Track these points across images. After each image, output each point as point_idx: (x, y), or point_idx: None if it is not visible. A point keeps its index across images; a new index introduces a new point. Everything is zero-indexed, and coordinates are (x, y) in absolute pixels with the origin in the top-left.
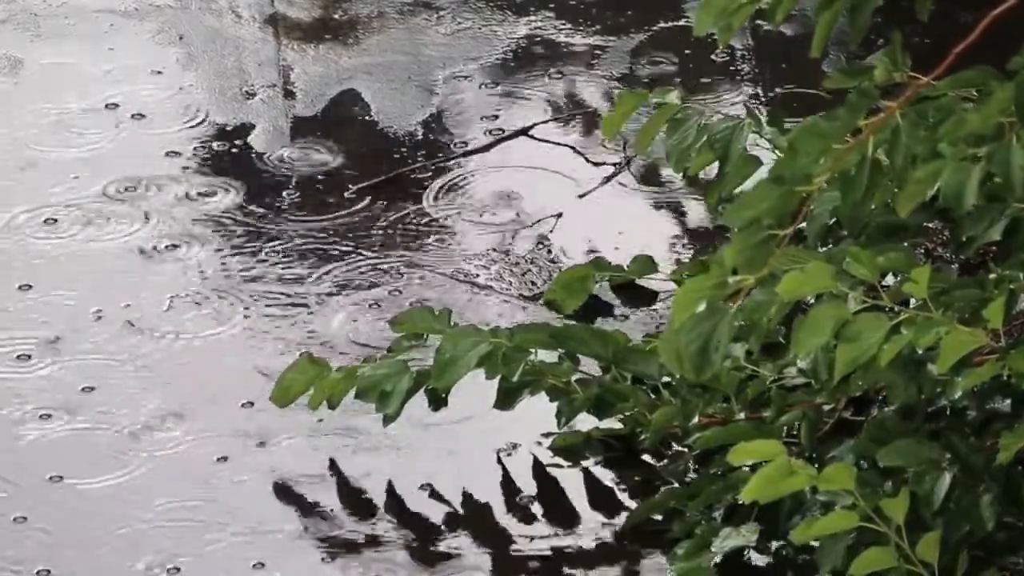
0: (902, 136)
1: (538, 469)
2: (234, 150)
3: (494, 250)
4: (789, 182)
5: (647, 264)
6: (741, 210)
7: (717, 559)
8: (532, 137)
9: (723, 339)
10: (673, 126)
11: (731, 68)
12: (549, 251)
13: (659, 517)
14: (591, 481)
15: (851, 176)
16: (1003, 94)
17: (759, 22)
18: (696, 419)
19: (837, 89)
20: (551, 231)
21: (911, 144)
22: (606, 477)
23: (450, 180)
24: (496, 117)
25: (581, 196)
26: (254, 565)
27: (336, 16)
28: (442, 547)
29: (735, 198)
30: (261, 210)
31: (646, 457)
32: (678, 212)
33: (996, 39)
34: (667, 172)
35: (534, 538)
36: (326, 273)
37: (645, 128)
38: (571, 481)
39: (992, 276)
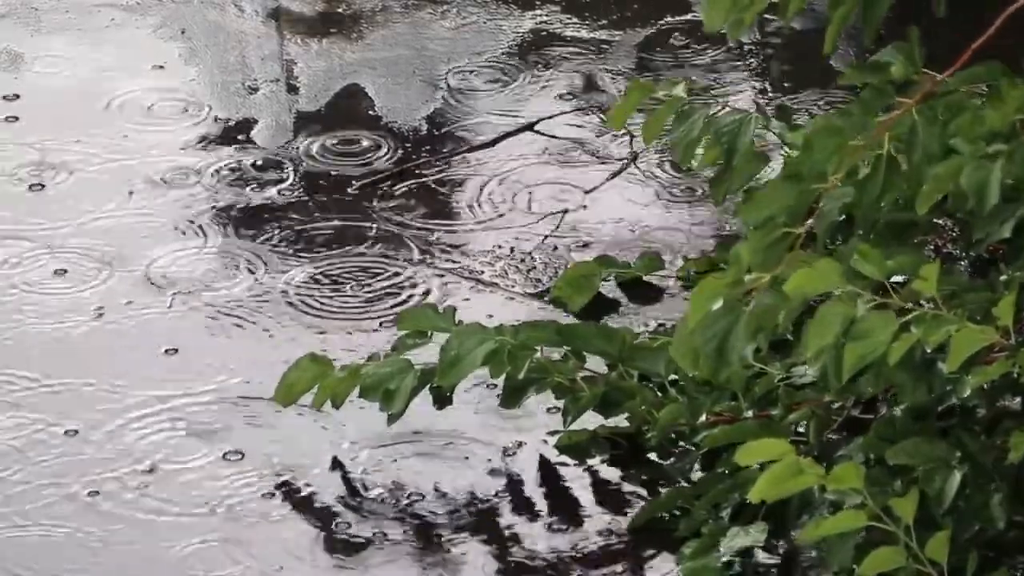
0: (919, 133)
1: (544, 467)
2: (237, 145)
3: (499, 247)
4: (806, 180)
5: (654, 261)
6: (757, 208)
7: (724, 558)
8: (538, 132)
9: (740, 339)
10: (680, 118)
11: (739, 62)
12: (555, 247)
13: (666, 516)
14: (597, 480)
15: (867, 175)
16: (1019, 91)
17: (767, 16)
18: (703, 417)
19: (850, 85)
20: (557, 227)
21: (928, 142)
22: (612, 475)
23: (454, 176)
24: (501, 112)
25: (587, 192)
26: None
27: (340, 10)
28: (447, 546)
29: (742, 194)
30: (263, 206)
31: (652, 455)
32: (685, 208)
33: (1011, 35)
34: (674, 168)
35: (540, 537)
36: (328, 270)
37: (651, 120)
38: (577, 480)
39: (1003, 278)
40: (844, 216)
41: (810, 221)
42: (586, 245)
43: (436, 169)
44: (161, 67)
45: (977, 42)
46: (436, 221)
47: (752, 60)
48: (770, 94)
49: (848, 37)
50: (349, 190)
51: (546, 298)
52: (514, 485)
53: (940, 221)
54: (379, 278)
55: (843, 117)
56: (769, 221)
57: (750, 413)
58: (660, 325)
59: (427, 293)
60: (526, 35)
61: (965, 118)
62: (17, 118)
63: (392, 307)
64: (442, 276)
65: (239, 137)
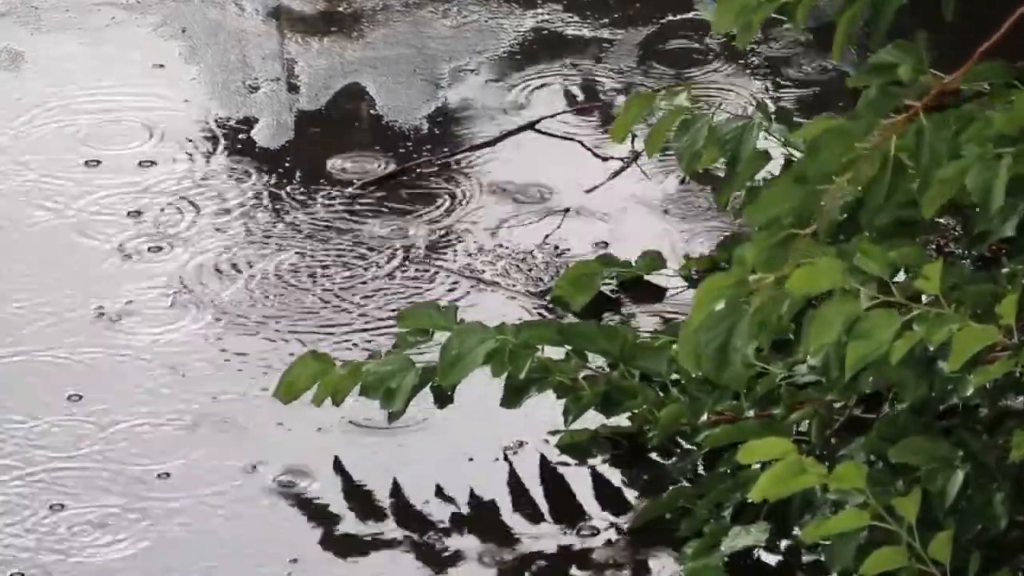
0: (927, 136)
1: (545, 467)
2: (238, 144)
3: (500, 246)
4: (812, 182)
5: (655, 260)
6: (762, 209)
7: (726, 558)
8: (539, 131)
9: (743, 338)
10: (683, 127)
11: (740, 61)
12: (556, 247)
13: (668, 516)
14: (598, 479)
15: (873, 177)
16: None
17: (771, 15)
18: (705, 417)
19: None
20: (558, 226)
21: (936, 145)
22: (614, 475)
23: (456, 175)
24: (502, 111)
25: (589, 191)
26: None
27: (340, 9)
28: (448, 546)
29: (747, 195)
30: (265, 205)
31: (654, 455)
32: (687, 207)
33: (1019, 37)
34: (675, 167)
35: (541, 537)
36: (330, 268)
37: (654, 131)
38: (578, 479)
39: (1005, 271)
40: (847, 214)
41: (814, 226)
42: (587, 244)
43: (437, 168)
44: (161, 66)
45: (986, 44)
46: (436, 220)
47: (753, 59)
48: (771, 93)
49: (849, 35)
50: (350, 189)
51: (547, 297)
52: (514, 485)
53: (942, 220)
54: (380, 277)
55: (850, 119)
56: (774, 222)
57: (752, 412)
58: (662, 324)
59: (428, 292)
60: (527, 34)
61: (976, 127)
62: (16, 114)
63: (393, 305)
64: (443, 275)
65: (240, 136)
